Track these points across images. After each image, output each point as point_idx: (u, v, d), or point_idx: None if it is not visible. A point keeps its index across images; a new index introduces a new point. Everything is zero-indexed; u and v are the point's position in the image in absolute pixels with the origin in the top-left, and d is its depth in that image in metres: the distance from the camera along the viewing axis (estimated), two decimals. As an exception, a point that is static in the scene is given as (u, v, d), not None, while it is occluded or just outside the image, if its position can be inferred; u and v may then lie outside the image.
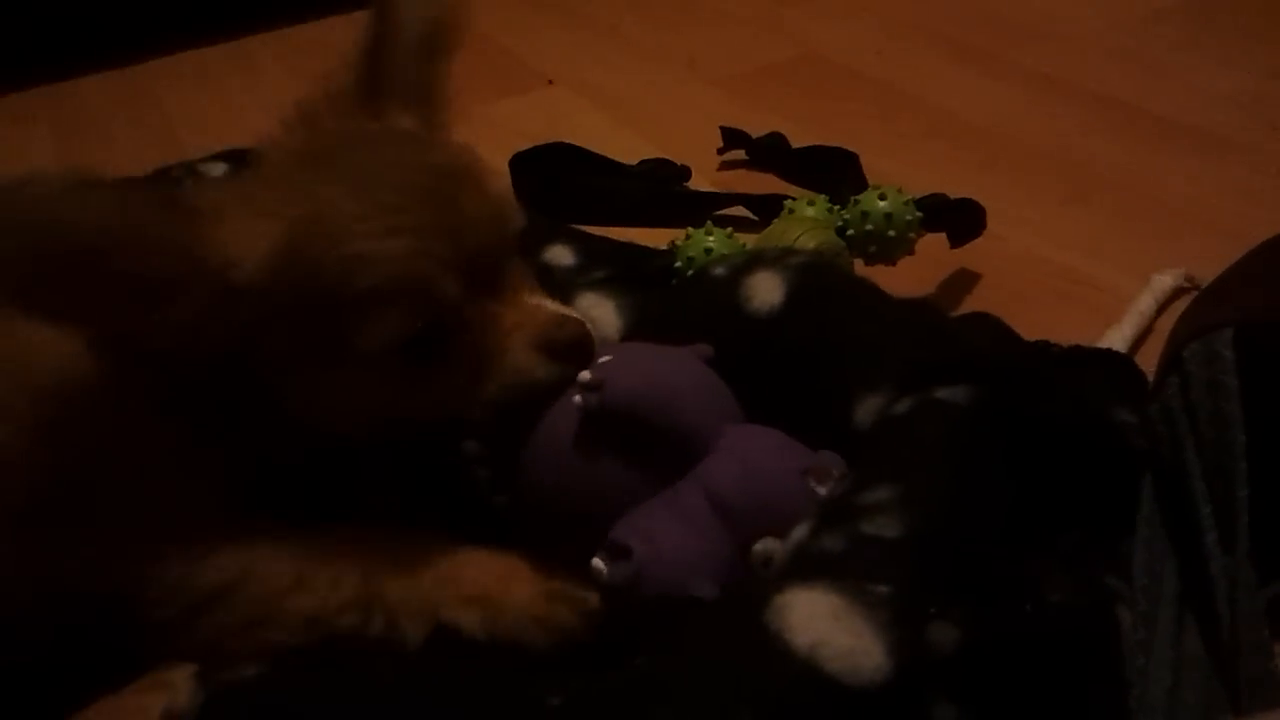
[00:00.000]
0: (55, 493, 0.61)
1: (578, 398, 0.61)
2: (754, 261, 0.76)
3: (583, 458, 0.61)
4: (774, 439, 0.64)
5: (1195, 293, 0.90)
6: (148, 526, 0.61)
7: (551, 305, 0.65)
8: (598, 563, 0.58)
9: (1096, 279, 0.98)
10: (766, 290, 0.72)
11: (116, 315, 0.57)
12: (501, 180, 0.65)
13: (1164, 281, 0.93)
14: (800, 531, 0.57)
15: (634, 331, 0.78)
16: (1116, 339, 0.86)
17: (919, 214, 0.93)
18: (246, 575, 0.60)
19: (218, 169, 1.13)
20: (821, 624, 0.50)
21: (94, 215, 0.54)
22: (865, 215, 0.92)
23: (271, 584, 0.60)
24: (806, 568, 0.54)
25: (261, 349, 0.59)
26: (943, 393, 0.63)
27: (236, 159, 1.15)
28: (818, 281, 0.73)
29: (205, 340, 0.58)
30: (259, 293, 0.58)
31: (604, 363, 0.63)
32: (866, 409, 0.65)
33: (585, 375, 0.61)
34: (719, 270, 0.77)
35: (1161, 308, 0.91)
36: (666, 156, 1.22)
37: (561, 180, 1.16)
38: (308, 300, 0.58)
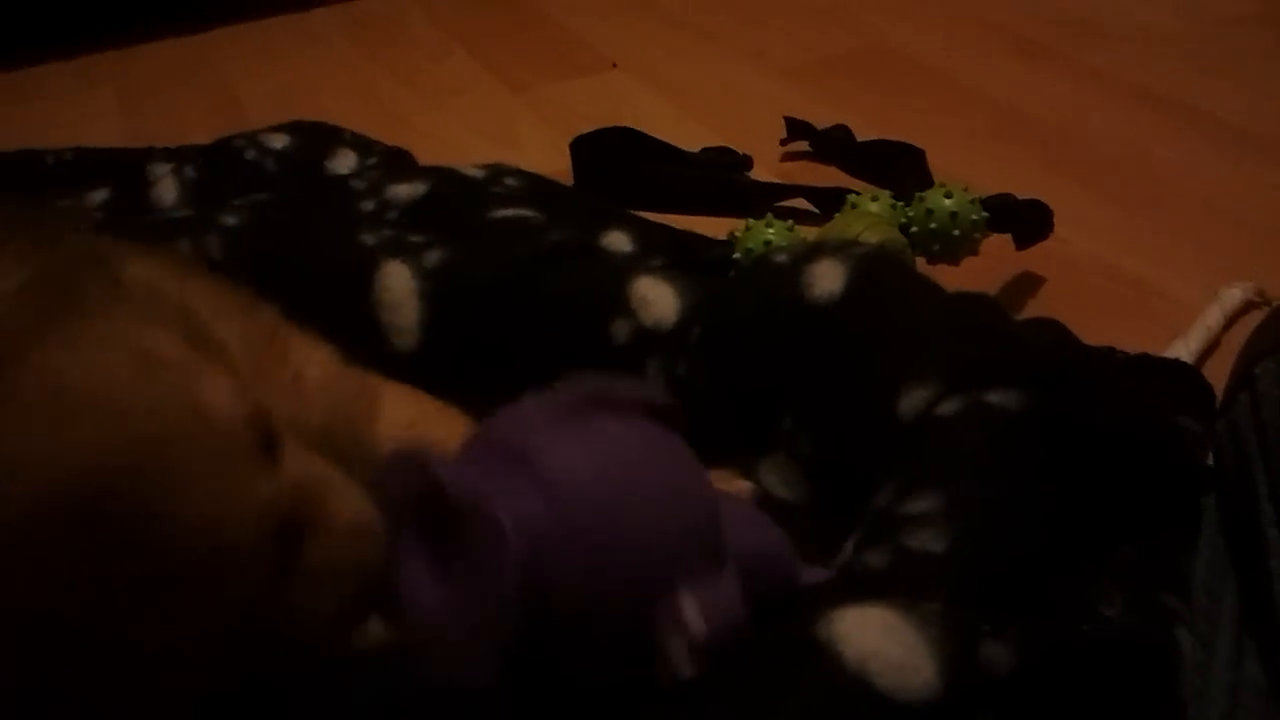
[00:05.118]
0: None
1: None
2: (816, 250, 0.75)
3: None
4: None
5: (1265, 308, 0.88)
6: None
7: None
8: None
9: (1164, 289, 0.96)
10: (828, 279, 0.71)
11: None
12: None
13: (1233, 295, 0.91)
14: (845, 549, 0.57)
15: (692, 315, 0.77)
16: (1182, 351, 0.84)
17: (985, 214, 0.92)
18: None
19: (280, 140, 1.13)
20: (873, 636, 0.49)
21: None
22: (930, 213, 0.91)
23: None
24: (855, 586, 0.53)
25: None
26: (994, 396, 0.62)
27: (299, 131, 1.15)
28: (879, 273, 0.72)
29: None
30: None
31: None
32: (911, 400, 0.64)
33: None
34: (780, 258, 0.76)
35: (1229, 322, 0.89)
36: (729, 145, 1.21)
37: (622, 165, 1.15)
38: None
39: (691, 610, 0.46)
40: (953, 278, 0.88)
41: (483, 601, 0.44)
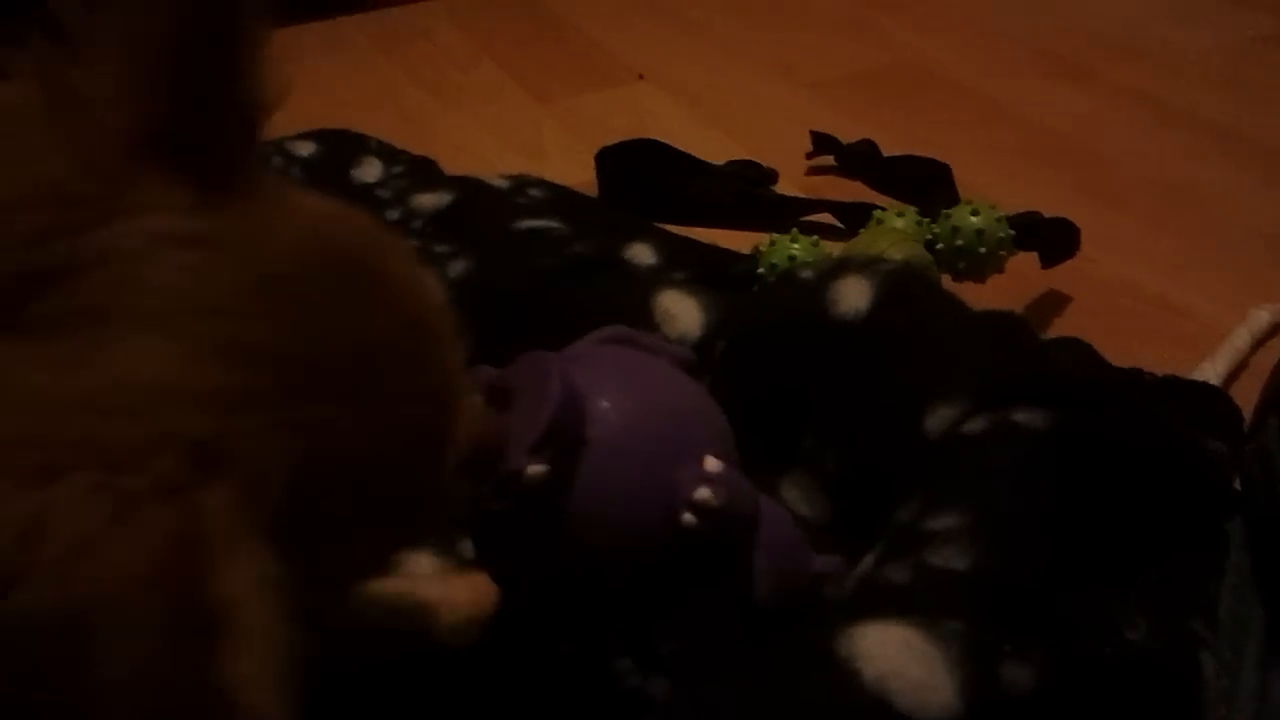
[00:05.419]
0: None
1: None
2: (841, 267, 0.74)
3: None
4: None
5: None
6: None
7: None
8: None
9: (1191, 309, 0.95)
10: (854, 296, 0.71)
11: None
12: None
13: (1261, 317, 0.90)
14: (865, 562, 0.56)
15: (716, 330, 0.76)
16: (1209, 373, 0.83)
17: (1011, 232, 0.91)
18: None
19: (307, 148, 1.13)
20: (893, 654, 0.48)
21: None
22: (956, 230, 0.90)
23: None
24: (875, 601, 0.52)
25: None
26: (1021, 415, 0.61)
27: (325, 139, 1.16)
28: (905, 291, 0.72)
29: None
30: None
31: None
32: (938, 418, 0.64)
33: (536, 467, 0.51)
34: (806, 273, 0.76)
35: (1257, 344, 0.88)
36: (754, 158, 1.21)
37: (647, 177, 1.15)
38: None
39: (714, 463, 0.53)
40: (979, 296, 0.88)
41: (537, 408, 0.51)
